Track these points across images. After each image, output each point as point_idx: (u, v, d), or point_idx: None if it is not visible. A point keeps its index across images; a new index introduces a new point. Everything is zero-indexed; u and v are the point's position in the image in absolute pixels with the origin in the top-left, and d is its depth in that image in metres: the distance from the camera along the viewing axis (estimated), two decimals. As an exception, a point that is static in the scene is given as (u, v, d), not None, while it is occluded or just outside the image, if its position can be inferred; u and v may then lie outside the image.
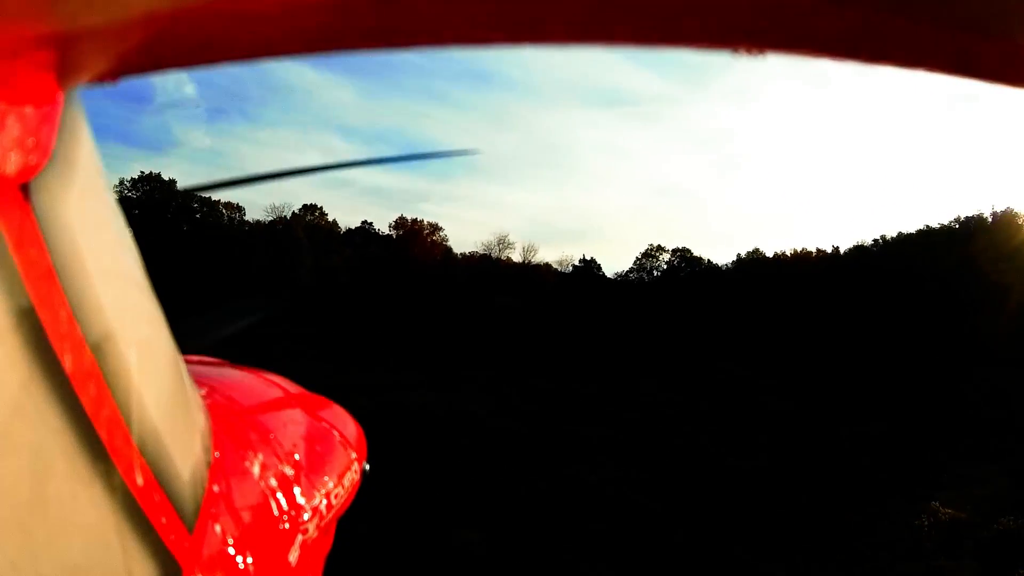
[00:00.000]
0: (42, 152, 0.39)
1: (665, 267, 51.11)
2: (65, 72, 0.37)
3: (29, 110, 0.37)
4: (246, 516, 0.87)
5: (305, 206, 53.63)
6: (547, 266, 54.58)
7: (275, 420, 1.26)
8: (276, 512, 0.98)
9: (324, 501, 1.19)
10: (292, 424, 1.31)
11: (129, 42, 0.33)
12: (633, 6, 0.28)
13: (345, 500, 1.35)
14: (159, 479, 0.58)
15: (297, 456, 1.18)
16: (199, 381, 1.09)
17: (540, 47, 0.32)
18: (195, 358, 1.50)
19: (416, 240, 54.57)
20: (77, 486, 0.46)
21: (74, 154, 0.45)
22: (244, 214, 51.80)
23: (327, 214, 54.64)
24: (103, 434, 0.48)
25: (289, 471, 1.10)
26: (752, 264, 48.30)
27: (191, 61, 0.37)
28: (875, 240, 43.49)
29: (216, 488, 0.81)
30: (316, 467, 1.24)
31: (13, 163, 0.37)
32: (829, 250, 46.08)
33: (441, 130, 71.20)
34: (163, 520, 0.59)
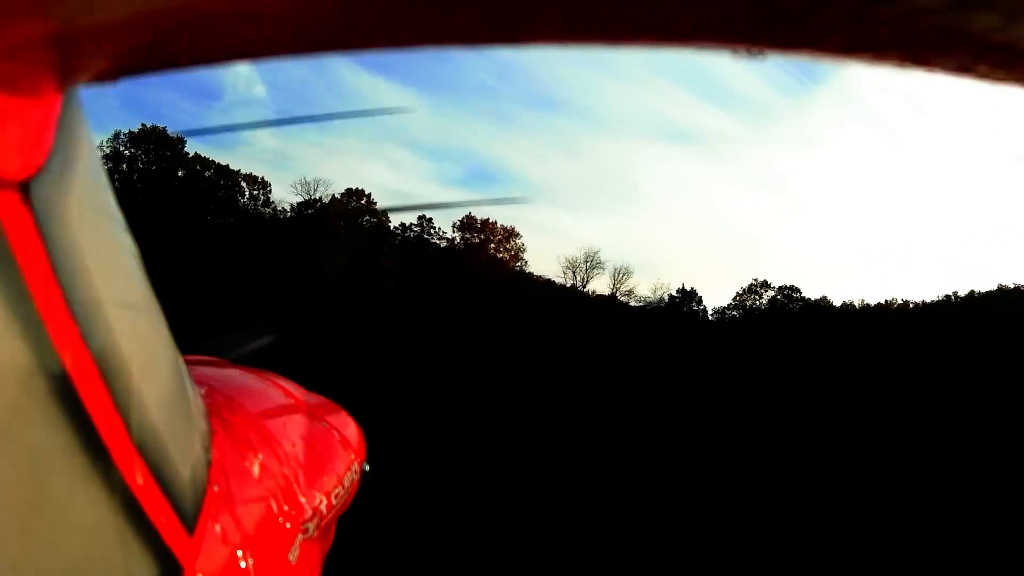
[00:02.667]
0: (42, 152, 0.39)
1: (767, 304, 43.76)
2: (65, 72, 0.36)
3: (29, 110, 0.37)
4: (246, 516, 0.87)
5: (349, 190, 44.05)
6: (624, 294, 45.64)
7: (275, 420, 1.26)
8: (276, 512, 0.98)
9: (324, 501, 1.20)
10: (292, 424, 1.31)
11: (129, 42, 0.33)
12: (627, 4, 0.28)
13: (345, 500, 1.36)
14: (159, 479, 0.59)
15: (297, 456, 1.18)
16: (199, 381, 1.09)
17: (536, 46, 0.31)
18: (195, 358, 1.50)
19: (485, 247, 45.00)
20: (77, 486, 0.46)
21: (74, 154, 0.45)
22: (270, 191, 43.18)
23: (375, 203, 44.86)
24: (103, 434, 0.48)
25: (289, 471, 1.10)
26: (823, 311, 43.14)
27: (191, 61, 0.37)
28: (962, 293, 39.85)
29: (216, 488, 0.81)
30: (316, 467, 1.24)
31: (13, 163, 0.37)
32: (900, 301, 42.11)
33: (509, 153, 69.69)
34: (163, 520, 0.60)
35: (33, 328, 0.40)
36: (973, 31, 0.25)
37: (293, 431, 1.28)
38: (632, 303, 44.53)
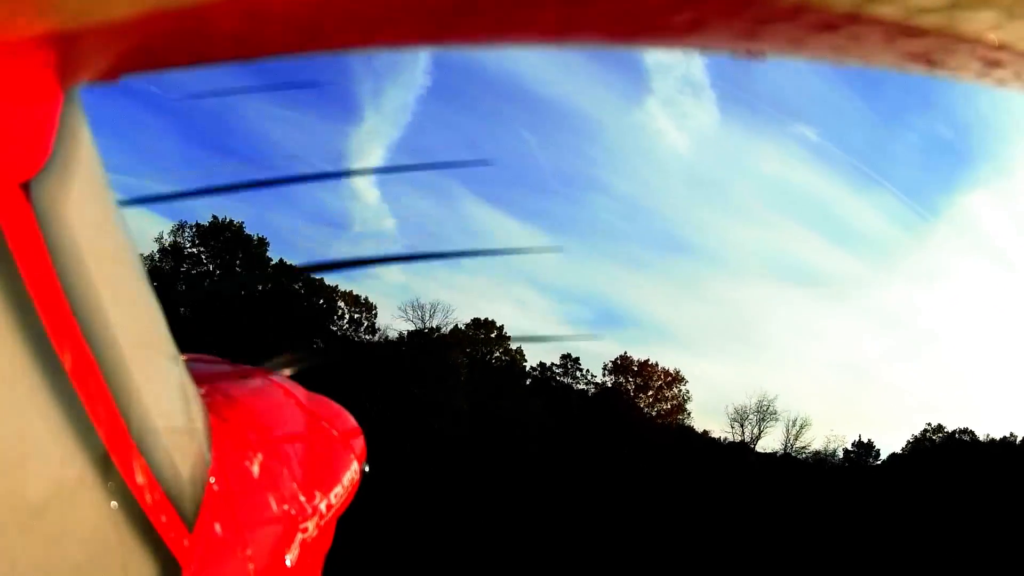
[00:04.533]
0: (42, 151, 0.39)
1: (942, 449, 36.46)
2: (65, 71, 0.36)
3: (29, 109, 0.37)
4: (246, 516, 0.87)
5: (476, 321, 37.50)
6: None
7: (275, 419, 1.26)
8: (276, 511, 0.98)
9: (324, 500, 1.20)
10: (292, 423, 1.31)
11: (130, 41, 0.33)
12: (623, 3, 0.28)
13: (345, 500, 1.36)
14: (158, 478, 0.59)
15: (297, 456, 1.18)
16: (199, 380, 1.09)
17: (534, 45, 0.32)
18: (195, 357, 1.50)
19: (643, 393, 37.16)
20: (76, 485, 0.46)
21: (74, 153, 0.45)
22: (375, 315, 36.90)
23: (508, 336, 36.18)
24: (102, 433, 0.48)
25: (289, 471, 1.10)
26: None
27: (191, 60, 0.37)
28: None
29: (216, 487, 0.81)
30: (316, 466, 1.24)
31: (14, 163, 0.37)
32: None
33: (636, 296, 69.57)
34: (163, 519, 0.60)
35: (33, 328, 0.40)
36: (971, 31, 0.25)
37: (293, 431, 1.28)
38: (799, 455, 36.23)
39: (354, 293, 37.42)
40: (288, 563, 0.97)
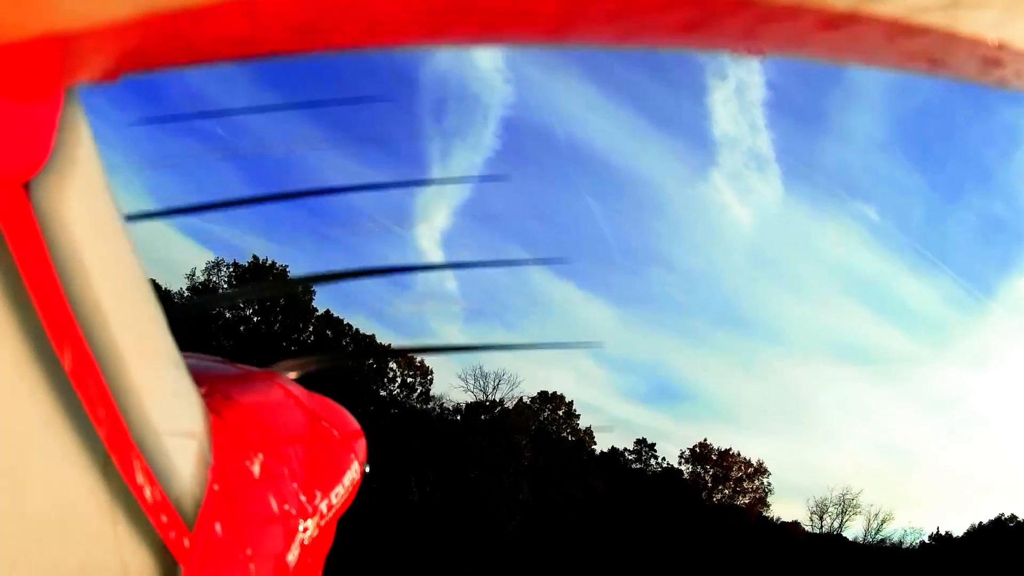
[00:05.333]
0: (42, 151, 0.40)
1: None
2: (65, 71, 0.37)
3: (29, 109, 0.37)
4: (246, 515, 0.87)
5: (543, 394, 34.10)
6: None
7: (275, 419, 1.26)
8: (276, 511, 0.98)
9: (325, 500, 1.20)
10: (293, 423, 1.31)
11: (130, 41, 0.33)
12: (619, 3, 0.28)
13: (345, 500, 1.36)
14: (159, 477, 0.59)
15: (298, 456, 1.18)
16: (199, 380, 1.09)
17: (531, 43, 0.32)
18: (195, 356, 1.50)
19: (722, 484, 34.62)
20: (76, 485, 0.46)
21: (75, 153, 0.45)
22: (431, 381, 32.34)
23: (578, 415, 33.25)
24: (102, 433, 0.48)
25: (289, 470, 1.10)
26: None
27: (191, 59, 0.38)
28: None
29: (216, 487, 0.81)
30: (316, 466, 1.24)
31: (14, 162, 0.37)
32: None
33: (693, 371, 68.48)
34: (163, 518, 0.60)
35: (33, 328, 0.40)
36: (971, 29, 0.26)
37: (294, 431, 1.28)
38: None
39: (418, 360, 32.22)
40: (289, 563, 0.97)
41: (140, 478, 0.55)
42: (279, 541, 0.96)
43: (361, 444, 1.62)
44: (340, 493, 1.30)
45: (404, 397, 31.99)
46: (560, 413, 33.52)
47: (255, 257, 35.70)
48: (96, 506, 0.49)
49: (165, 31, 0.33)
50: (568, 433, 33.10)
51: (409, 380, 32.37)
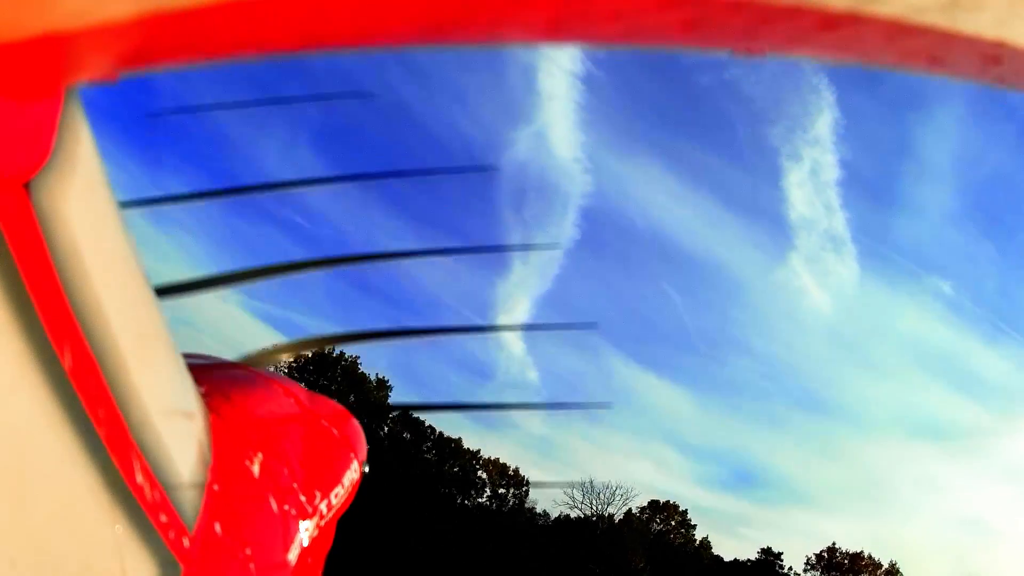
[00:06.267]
0: (42, 151, 0.40)
1: None
2: (65, 71, 0.37)
3: (29, 109, 0.37)
4: (246, 515, 0.87)
5: (654, 504, 31.37)
6: None
7: (276, 419, 1.26)
8: (276, 511, 0.98)
9: (324, 500, 1.20)
10: (292, 423, 1.31)
11: (129, 41, 0.33)
12: (621, 2, 0.28)
13: (345, 500, 1.36)
14: (159, 477, 0.59)
15: (298, 456, 1.18)
16: (199, 380, 1.09)
17: (528, 42, 0.32)
18: (195, 356, 1.50)
19: None
20: (76, 484, 0.46)
21: (75, 153, 0.45)
22: (525, 489, 29.22)
23: (694, 525, 30.09)
24: (102, 432, 0.48)
25: (289, 470, 1.10)
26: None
27: (191, 59, 0.38)
28: None
29: (216, 487, 0.81)
30: (316, 466, 1.24)
31: (14, 162, 0.37)
32: None
33: (772, 456, 68.59)
34: (163, 518, 0.60)
35: (33, 328, 0.40)
36: (971, 29, 0.26)
37: (293, 431, 1.28)
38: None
39: (500, 460, 29.02)
40: (289, 563, 0.97)
41: (140, 478, 0.55)
42: (279, 541, 0.96)
43: (361, 444, 1.62)
44: (340, 493, 1.30)
45: (496, 507, 28.94)
46: (674, 522, 30.05)
47: (332, 350, 33.32)
48: (96, 506, 0.48)
49: (165, 31, 0.32)
50: (683, 540, 29.53)
51: (501, 490, 28.79)
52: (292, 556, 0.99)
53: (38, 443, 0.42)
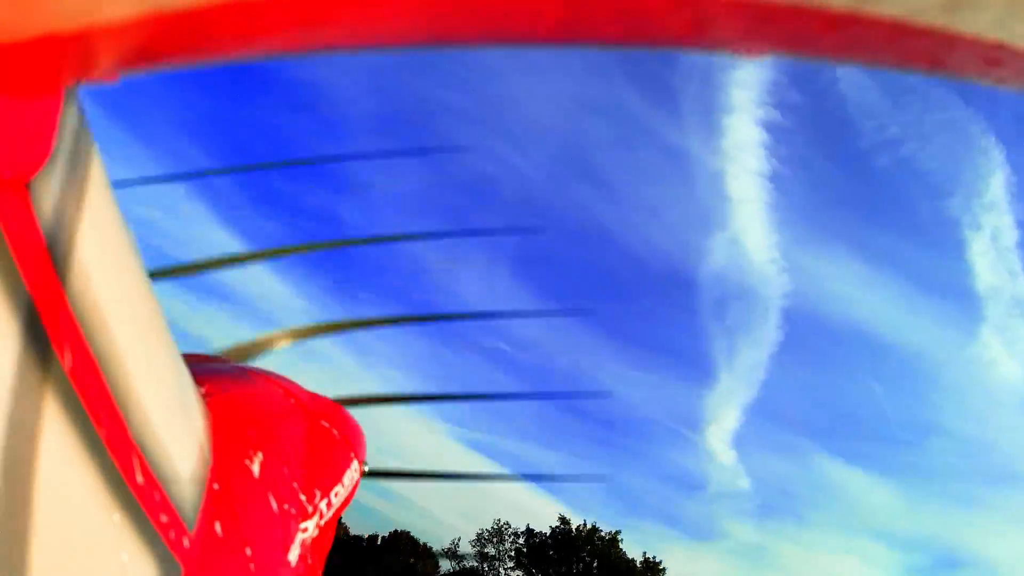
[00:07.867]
0: (43, 151, 0.40)
1: None
2: (65, 71, 0.36)
3: (30, 109, 0.37)
4: (246, 515, 0.87)
5: None
6: None
7: (275, 418, 1.26)
8: (276, 511, 0.98)
9: (324, 500, 1.20)
10: (292, 422, 1.31)
11: (130, 41, 0.33)
12: (622, 3, 0.28)
13: (345, 499, 1.36)
14: (159, 477, 0.59)
15: (297, 455, 1.18)
16: (199, 379, 1.09)
17: (533, 46, 0.32)
18: (195, 356, 1.50)
19: None
20: (76, 484, 0.46)
21: (75, 153, 0.45)
22: None
23: None
24: (102, 432, 0.48)
25: (289, 470, 1.10)
26: None
27: (191, 59, 0.37)
28: None
29: (216, 486, 0.81)
30: (316, 465, 1.24)
31: (14, 163, 0.37)
32: None
33: (975, 537, 67.84)
34: (163, 518, 0.60)
35: (33, 328, 0.40)
36: (971, 29, 0.26)
37: (293, 429, 1.28)
38: None
39: None
40: (289, 563, 0.97)
41: (140, 478, 0.55)
42: (279, 541, 0.96)
43: (361, 443, 1.62)
44: (340, 493, 1.31)
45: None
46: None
47: (561, 518, 33.40)
48: (96, 506, 0.48)
49: (165, 31, 0.32)
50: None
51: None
52: (292, 556, 0.99)
53: (38, 443, 0.42)
